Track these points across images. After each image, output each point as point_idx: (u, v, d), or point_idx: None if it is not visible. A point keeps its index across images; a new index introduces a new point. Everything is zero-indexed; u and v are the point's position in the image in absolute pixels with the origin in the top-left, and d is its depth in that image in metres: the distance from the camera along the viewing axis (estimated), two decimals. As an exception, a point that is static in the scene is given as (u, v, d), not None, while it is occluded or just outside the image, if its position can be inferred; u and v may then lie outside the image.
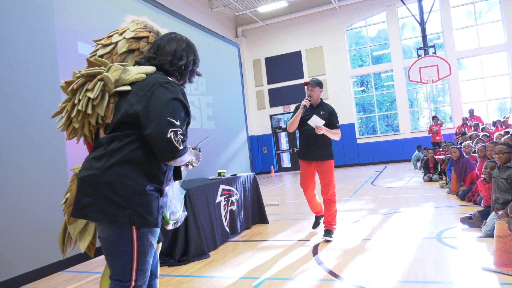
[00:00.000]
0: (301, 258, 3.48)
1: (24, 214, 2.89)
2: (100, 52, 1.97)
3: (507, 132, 6.14)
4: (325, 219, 4.19)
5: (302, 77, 17.41)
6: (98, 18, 3.85)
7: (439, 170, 8.25)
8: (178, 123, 1.55)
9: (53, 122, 3.18)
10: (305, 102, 4.15)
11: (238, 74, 6.72)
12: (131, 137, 1.56)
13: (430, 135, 11.95)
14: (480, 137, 6.96)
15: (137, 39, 1.98)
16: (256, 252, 3.87)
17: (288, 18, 17.34)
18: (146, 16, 4.38)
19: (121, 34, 2.03)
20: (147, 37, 2.00)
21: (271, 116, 17.85)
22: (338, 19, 16.84)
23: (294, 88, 17.51)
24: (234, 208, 4.71)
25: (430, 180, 8.25)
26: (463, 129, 11.44)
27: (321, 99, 4.32)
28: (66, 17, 3.46)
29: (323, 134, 4.13)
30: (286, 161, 17.83)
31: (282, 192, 9.47)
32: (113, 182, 1.49)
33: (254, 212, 5.25)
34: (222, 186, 4.51)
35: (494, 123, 10.28)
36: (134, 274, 1.53)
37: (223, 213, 4.43)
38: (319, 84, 4.21)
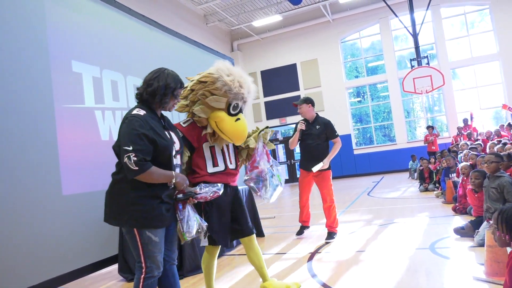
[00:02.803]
0: (296, 271, 3.49)
1: (16, 229, 2.90)
2: None
3: (500, 141, 6.20)
4: (328, 224, 4.65)
5: (298, 89, 17.56)
6: (92, 36, 3.92)
7: (434, 180, 8.29)
8: (131, 148, 1.99)
9: (47, 138, 3.22)
10: (300, 126, 4.63)
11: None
12: (120, 164, 2.11)
13: (426, 144, 12.02)
14: (473, 145, 7.02)
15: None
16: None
17: (283, 32, 17.56)
18: (140, 33, 4.49)
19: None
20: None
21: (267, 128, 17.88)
22: (332, 31, 17.07)
23: (290, 100, 17.56)
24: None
25: (426, 190, 8.28)
26: (459, 139, 11.52)
27: (316, 113, 4.70)
28: (59, 36, 3.52)
29: (319, 147, 4.58)
30: (283, 173, 17.83)
31: (279, 204, 9.47)
32: (115, 195, 2.13)
33: (250, 226, 5.25)
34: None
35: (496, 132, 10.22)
36: (143, 258, 2.10)
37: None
38: (305, 101, 4.60)
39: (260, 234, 5.26)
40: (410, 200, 7.35)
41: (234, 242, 4.71)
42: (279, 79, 17.87)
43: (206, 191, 2.34)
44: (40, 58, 3.29)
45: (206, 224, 2.36)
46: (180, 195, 2.22)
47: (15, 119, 2.99)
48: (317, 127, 4.59)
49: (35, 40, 3.27)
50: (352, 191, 10.27)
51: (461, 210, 5.22)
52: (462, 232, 3.95)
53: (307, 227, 5.03)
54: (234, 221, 2.84)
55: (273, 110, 17.93)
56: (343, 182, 14.34)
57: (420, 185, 8.64)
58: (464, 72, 15.98)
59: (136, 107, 2.18)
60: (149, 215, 2.08)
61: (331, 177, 4.69)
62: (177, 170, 2.26)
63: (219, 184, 2.45)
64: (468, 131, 10.97)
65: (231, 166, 2.84)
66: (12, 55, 3.04)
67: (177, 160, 2.28)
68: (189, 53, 5.71)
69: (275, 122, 17.90)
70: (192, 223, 2.26)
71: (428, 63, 13.13)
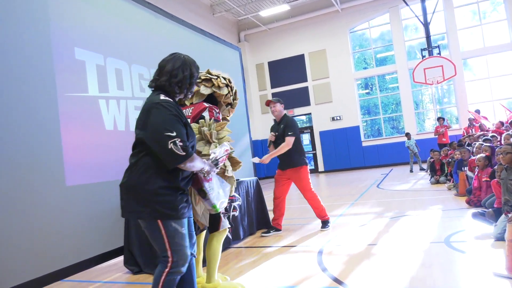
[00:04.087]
0: (305, 265, 3.39)
1: (21, 221, 2.83)
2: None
3: (516, 132, 6.00)
4: (317, 214, 4.81)
5: (306, 80, 17.35)
6: (96, 23, 3.81)
7: (445, 172, 8.11)
8: (174, 133, 1.89)
9: (50, 128, 3.14)
10: (270, 138, 4.88)
11: (240, 78, 6.65)
12: (143, 152, 1.98)
13: (436, 136, 11.79)
14: (488, 137, 6.82)
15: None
16: (259, 258, 3.78)
17: (291, 22, 17.30)
18: (145, 21, 4.37)
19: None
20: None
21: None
22: (341, 21, 16.78)
23: (298, 91, 17.44)
24: (237, 214, 4.58)
25: (437, 182, 8.10)
26: (470, 130, 11.28)
27: (284, 114, 4.87)
28: (62, 23, 3.41)
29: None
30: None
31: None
32: (135, 187, 1.95)
33: (258, 218, 5.16)
34: (224, 192, 4.42)
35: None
36: (169, 252, 1.98)
37: (225, 219, 4.34)
38: (279, 101, 4.80)
39: (268, 226, 5.16)
40: (421, 192, 7.19)
41: (242, 234, 4.62)
42: (286, 70, 17.66)
43: (220, 153, 2.26)
44: (42, 44, 3.19)
45: (239, 201, 2.48)
46: (212, 168, 2.19)
47: (16, 108, 2.90)
48: (281, 126, 4.72)
49: (36, 26, 3.17)
50: (361, 183, 10.12)
51: (475, 202, 5.07)
52: (482, 217, 3.80)
53: (277, 230, 4.87)
54: None
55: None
56: (352, 174, 14.18)
57: (431, 177, 8.46)
58: (476, 62, 15.64)
59: (159, 93, 2.06)
60: (175, 205, 1.98)
61: (307, 173, 4.76)
62: None
63: (225, 143, 2.49)
64: (479, 123, 10.71)
65: None
66: (12, 41, 2.94)
67: None
68: (196, 42, 5.57)
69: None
70: (222, 191, 2.26)
71: (439, 53, 12.84)
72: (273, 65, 17.95)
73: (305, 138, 18.18)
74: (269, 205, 5.35)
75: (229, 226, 2.89)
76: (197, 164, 2.02)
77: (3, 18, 2.90)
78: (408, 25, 16.47)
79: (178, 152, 1.88)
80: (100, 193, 3.59)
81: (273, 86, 17.93)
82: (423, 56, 12.84)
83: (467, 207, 5.15)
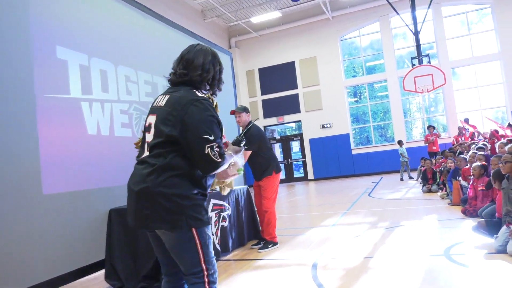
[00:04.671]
0: (299, 280, 3.19)
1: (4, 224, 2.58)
2: None
3: (511, 141, 5.93)
4: (265, 230, 4.51)
5: (296, 87, 17.27)
6: (80, 21, 3.59)
7: (437, 180, 8.02)
8: (212, 137, 1.70)
9: (26, 131, 2.90)
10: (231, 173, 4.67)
11: (231, 84, 6.48)
12: (173, 153, 1.72)
13: (427, 145, 11.77)
14: (481, 145, 6.75)
15: None
16: (249, 272, 3.57)
17: (282, 29, 17.25)
18: (133, 20, 4.11)
19: None
20: None
21: (265, 127, 17.62)
22: (332, 29, 16.79)
23: (288, 98, 17.35)
24: (226, 224, 4.41)
25: (429, 191, 8.01)
26: (460, 139, 11.28)
27: (249, 122, 4.54)
28: (43, 19, 3.20)
29: (252, 156, 4.47)
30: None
31: (277, 205, 9.14)
32: (166, 193, 1.67)
33: (249, 228, 4.96)
34: (212, 201, 4.21)
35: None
36: (203, 264, 1.75)
37: (213, 230, 4.13)
38: (244, 110, 4.57)
39: (259, 237, 4.95)
40: (414, 201, 7.07)
41: (231, 245, 4.41)
42: (277, 77, 17.57)
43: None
44: (20, 41, 2.97)
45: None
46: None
47: (-12, 109, 2.67)
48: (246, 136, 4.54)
49: (15, 21, 2.94)
50: (352, 192, 9.99)
51: (471, 212, 4.95)
52: (481, 231, 3.67)
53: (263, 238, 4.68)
54: None
55: (271, 109, 17.62)
56: (342, 182, 14.07)
57: (423, 186, 8.37)
58: (464, 71, 15.76)
59: (190, 89, 1.84)
60: (206, 210, 1.79)
61: (274, 183, 4.56)
62: None
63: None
64: (472, 131, 10.71)
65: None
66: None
67: None
68: (186, 44, 5.35)
69: (273, 120, 17.60)
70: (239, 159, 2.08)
71: (429, 62, 12.87)
72: (263, 72, 17.84)
73: (295, 146, 18.06)
74: (260, 215, 5.17)
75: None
76: (225, 166, 1.83)
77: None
78: (397, 33, 16.56)
79: (214, 159, 1.70)
80: (81, 202, 3.35)
81: (263, 93, 17.81)
82: (413, 65, 12.85)
83: (463, 217, 5.02)
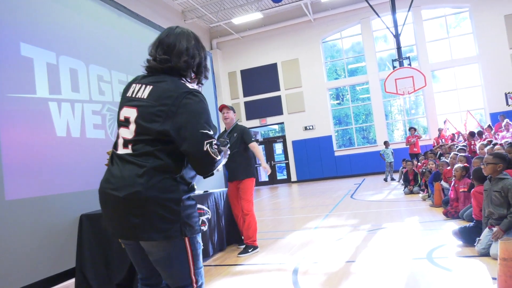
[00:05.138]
0: (279, 286, 3.07)
1: None
2: None
3: (490, 142, 5.97)
4: (245, 235, 4.39)
5: (279, 89, 17.23)
6: (48, 18, 3.40)
7: (419, 182, 8.05)
8: (211, 132, 1.51)
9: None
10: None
11: (211, 85, 6.34)
12: (164, 152, 1.51)
13: (408, 146, 11.86)
14: (460, 146, 6.79)
15: None
16: (229, 278, 3.43)
17: (264, 30, 17.19)
18: (106, 19, 3.88)
19: None
20: None
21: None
22: (314, 31, 16.81)
23: (270, 100, 17.28)
24: (205, 228, 4.26)
25: (411, 192, 8.02)
26: (440, 140, 11.40)
27: (236, 122, 4.60)
28: (6, 14, 3.00)
29: (237, 156, 4.40)
30: (263, 175, 17.46)
31: (258, 207, 9.04)
32: (160, 197, 1.46)
33: (229, 232, 4.82)
34: (191, 205, 4.05)
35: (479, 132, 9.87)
36: (193, 276, 1.58)
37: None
38: (232, 109, 4.59)
39: (239, 241, 4.82)
40: (396, 203, 7.05)
41: (211, 250, 4.27)
42: (259, 79, 17.48)
43: None
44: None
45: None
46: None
47: None
48: (235, 134, 4.50)
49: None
50: (335, 194, 9.96)
51: (453, 214, 4.93)
52: (461, 236, 3.63)
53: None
54: None
55: (253, 111, 17.52)
56: (324, 184, 14.05)
57: (404, 188, 8.39)
58: (444, 74, 16.00)
59: (179, 79, 1.63)
60: (197, 216, 1.60)
61: (252, 185, 4.50)
62: None
63: None
64: (452, 133, 10.84)
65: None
66: None
67: None
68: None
69: (255, 122, 17.50)
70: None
71: (409, 64, 13.00)
72: (245, 74, 17.73)
73: (278, 148, 17.99)
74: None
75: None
76: (220, 165, 1.62)
77: None
78: (378, 36, 16.71)
79: (214, 156, 1.50)
80: (48, 208, 3.15)
81: (245, 94, 17.69)
82: (394, 67, 12.96)
83: (445, 219, 5.00)
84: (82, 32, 3.77)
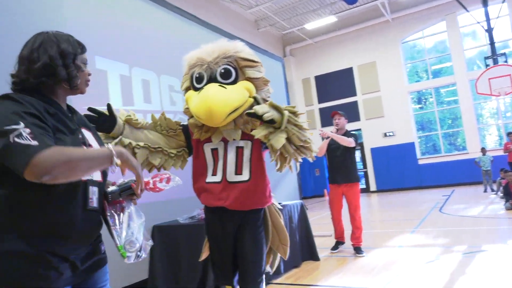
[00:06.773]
0: (361, 317, 2.70)
1: None
2: None
3: None
4: (353, 237, 4.64)
5: (355, 94, 16.51)
6: (121, 31, 3.46)
7: (524, 195, 6.98)
8: (18, 125, 1.09)
9: None
10: (330, 134, 4.76)
11: (283, 91, 6.13)
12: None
13: (506, 154, 10.48)
14: None
15: None
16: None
17: (338, 34, 16.63)
18: (176, 28, 3.80)
19: None
20: None
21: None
22: (392, 32, 15.86)
23: (346, 106, 16.58)
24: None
25: (513, 207, 6.99)
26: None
27: (346, 130, 4.93)
28: (83, 29, 3.08)
29: (345, 159, 4.71)
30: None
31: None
32: None
33: (303, 247, 4.51)
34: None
35: None
36: None
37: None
38: (344, 115, 4.89)
39: (314, 257, 4.49)
40: (495, 220, 6.15)
41: (283, 267, 4.00)
42: (334, 84, 16.93)
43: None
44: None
45: (150, 242, 1.47)
46: (114, 188, 1.41)
47: None
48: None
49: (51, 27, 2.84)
50: (420, 206, 9.09)
51: None
52: None
53: (343, 242, 4.92)
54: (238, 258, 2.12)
55: (328, 117, 16.93)
56: (407, 195, 13.02)
57: (505, 202, 7.34)
58: (549, 71, 14.01)
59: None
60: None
61: (359, 190, 4.73)
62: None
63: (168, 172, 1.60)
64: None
65: (231, 176, 2.00)
66: None
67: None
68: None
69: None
70: (136, 229, 1.42)
71: (505, 61, 11.59)
72: (320, 80, 17.30)
73: (356, 156, 17.22)
74: (316, 229, 4.73)
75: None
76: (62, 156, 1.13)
77: None
78: (465, 33, 15.22)
79: (26, 142, 1.09)
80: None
81: (320, 101, 17.24)
82: (486, 65, 11.65)
83: None
84: (153, 43, 3.79)
